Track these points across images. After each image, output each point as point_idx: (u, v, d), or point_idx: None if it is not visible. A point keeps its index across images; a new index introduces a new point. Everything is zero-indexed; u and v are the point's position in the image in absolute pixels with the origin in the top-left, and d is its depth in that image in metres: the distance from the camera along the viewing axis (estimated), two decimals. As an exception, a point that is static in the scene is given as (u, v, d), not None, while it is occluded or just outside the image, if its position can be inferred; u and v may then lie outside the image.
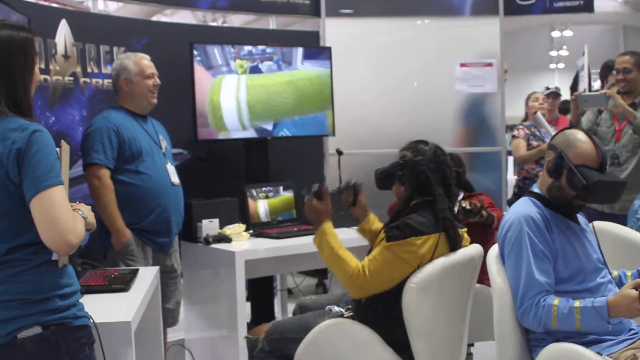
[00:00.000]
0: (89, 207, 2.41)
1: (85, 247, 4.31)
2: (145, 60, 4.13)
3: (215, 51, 4.81)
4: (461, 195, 4.23)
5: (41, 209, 2.12)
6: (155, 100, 4.12)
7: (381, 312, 3.09)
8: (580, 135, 2.94)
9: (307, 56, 5.18)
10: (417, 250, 2.99)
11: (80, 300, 2.34)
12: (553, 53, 18.08)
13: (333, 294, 3.70)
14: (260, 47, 5.01)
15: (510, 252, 2.89)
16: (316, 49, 5.38)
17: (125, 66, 4.08)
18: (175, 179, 4.12)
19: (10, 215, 2.18)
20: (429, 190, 3.12)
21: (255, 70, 4.97)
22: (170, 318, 4.27)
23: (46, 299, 2.20)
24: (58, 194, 2.14)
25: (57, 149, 2.24)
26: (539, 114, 5.98)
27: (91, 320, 2.35)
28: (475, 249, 3.23)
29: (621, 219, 3.98)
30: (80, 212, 2.29)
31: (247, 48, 4.96)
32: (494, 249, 3.03)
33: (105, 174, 3.89)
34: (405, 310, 3.02)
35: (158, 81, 4.13)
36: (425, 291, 3.00)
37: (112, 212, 3.90)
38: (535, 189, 3.03)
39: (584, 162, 2.87)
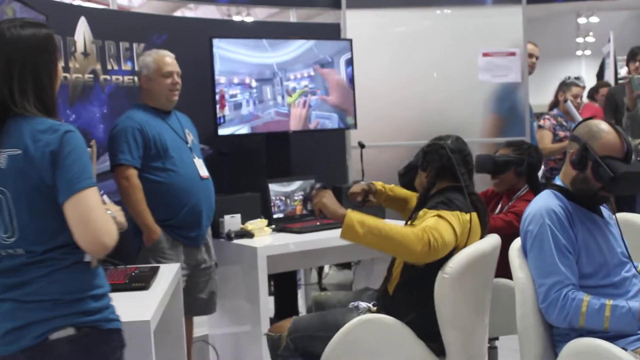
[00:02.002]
0: (119, 207, 2.40)
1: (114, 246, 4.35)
2: (166, 58, 4.12)
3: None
4: (525, 190, 4.18)
5: (76, 211, 2.10)
6: (175, 99, 4.11)
7: (411, 304, 3.07)
8: (603, 126, 2.88)
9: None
10: (460, 225, 3.00)
11: (112, 302, 2.32)
12: (579, 40, 17.92)
13: (350, 291, 3.66)
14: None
15: (533, 246, 2.85)
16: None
17: (146, 63, 4.09)
18: (203, 172, 4.12)
19: (45, 218, 2.15)
20: (452, 173, 3.18)
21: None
22: (203, 306, 4.29)
23: (79, 300, 2.18)
24: (92, 196, 2.13)
25: (88, 149, 2.22)
26: (569, 103, 5.89)
27: (121, 322, 2.32)
28: (496, 238, 3.22)
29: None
30: (109, 213, 2.26)
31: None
32: (516, 243, 2.99)
33: (133, 173, 3.91)
34: (438, 301, 2.99)
35: (177, 80, 4.11)
36: (457, 281, 2.97)
37: (142, 211, 3.92)
38: (558, 181, 2.98)
39: (609, 153, 2.81)
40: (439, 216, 2.98)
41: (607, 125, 2.90)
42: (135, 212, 3.91)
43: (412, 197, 3.55)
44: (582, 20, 17.04)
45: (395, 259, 3.24)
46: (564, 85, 6.14)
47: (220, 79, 4.71)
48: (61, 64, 4.02)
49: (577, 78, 6.58)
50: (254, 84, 4.87)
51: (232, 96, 4.77)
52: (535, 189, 4.10)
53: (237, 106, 4.79)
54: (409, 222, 3.17)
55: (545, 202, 2.88)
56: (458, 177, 3.18)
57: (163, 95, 4.08)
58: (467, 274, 3.01)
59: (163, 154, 3.98)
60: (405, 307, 3.08)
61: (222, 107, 4.70)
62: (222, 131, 4.70)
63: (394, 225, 2.96)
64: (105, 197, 2.96)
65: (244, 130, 4.79)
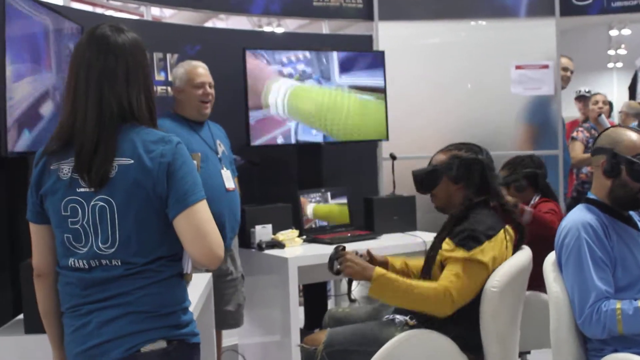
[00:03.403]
0: None
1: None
2: (199, 69, 4.11)
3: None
4: (536, 199, 4.18)
5: (191, 225, 2.07)
6: (207, 111, 4.11)
7: (456, 318, 3.02)
8: (621, 130, 2.91)
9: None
10: (492, 252, 2.98)
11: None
12: (611, 52, 17.77)
13: (366, 306, 3.63)
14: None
15: (568, 260, 2.82)
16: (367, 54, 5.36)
17: (179, 75, 4.11)
18: (230, 184, 4.10)
19: (150, 230, 2.10)
20: (486, 189, 3.15)
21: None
22: (231, 319, 4.29)
23: (172, 313, 2.15)
24: (205, 209, 2.11)
25: (194, 161, 2.18)
26: (602, 117, 5.89)
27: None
28: (528, 251, 3.21)
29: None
30: None
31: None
32: (551, 257, 2.97)
33: None
34: (483, 314, 2.99)
35: (209, 91, 4.10)
36: (503, 294, 2.97)
37: None
38: (591, 195, 2.96)
39: (637, 152, 2.82)
40: (464, 262, 2.96)
41: (624, 128, 2.94)
42: None
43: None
44: (614, 33, 16.89)
45: (425, 271, 3.23)
46: (581, 100, 6.19)
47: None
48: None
49: (588, 92, 6.61)
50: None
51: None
52: (546, 192, 4.15)
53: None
54: (432, 253, 3.17)
55: (580, 216, 2.86)
56: (496, 195, 3.17)
57: (194, 107, 4.08)
58: (509, 287, 3.00)
59: None
60: (450, 320, 3.03)
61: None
62: (254, 141, 4.71)
63: (417, 285, 2.99)
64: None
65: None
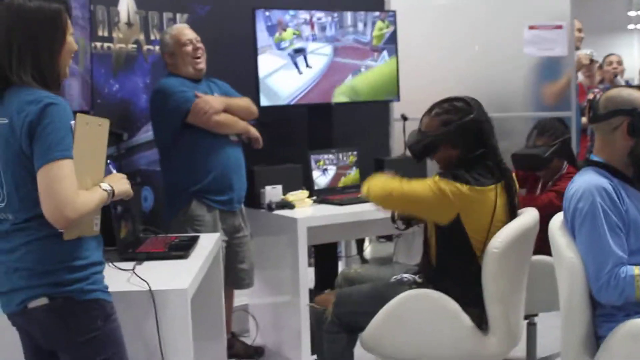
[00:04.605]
0: (123, 175, 2.49)
1: (151, 213, 4.40)
2: (182, 29, 4.18)
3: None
4: (565, 167, 4.12)
5: (43, 181, 2.13)
6: (201, 66, 4.15)
7: (458, 277, 3.06)
8: (631, 91, 2.88)
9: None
10: (459, 194, 2.97)
11: (98, 273, 2.34)
12: (632, 13, 17.55)
13: (378, 267, 3.65)
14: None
15: (583, 225, 2.76)
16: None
17: (165, 42, 4.16)
18: (233, 137, 4.17)
19: (26, 187, 2.19)
20: (483, 144, 3.11)
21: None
22: (247, 279, 4.36)
23: (53, 271, 2.23)
24: (63, 168, 2.14)
25: (72, 122, 2.21)
26: (618, 78, 5.83)
27: (107, 293, 2.35)
28: (535, 213, 3.20)
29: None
30: (102, 186, 2.32)
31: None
32: (557, 220, 2.94)
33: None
34: (485, 275, 2.99)
35: (198, 45, 4.14)
36: (504, 256, 2.97)
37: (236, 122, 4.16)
38: (595, 158, 2.90)
39: None
40: (433, 180, 3.03)
41: (628, 88, 2.93)
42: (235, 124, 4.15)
43: None
44: (634, -6, 16.69)
45: (426, 229, 3.23)
46: (603, 62, 6.14)
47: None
48: (104, 34, 4.10)
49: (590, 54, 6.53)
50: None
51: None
52: (573, 162, 4.07)
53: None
54: None
55: (592, 179, 2.80)
56: (492, 147, 3.13)
57: (188, 63, 4.12)
58: (512, 249, 3.00)
59: None
60: (452, 280, 3.06)
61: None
62: (264, 101, 4.68)
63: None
64: (111, 166, 2.99)
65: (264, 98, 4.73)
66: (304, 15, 4.85)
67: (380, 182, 3.17)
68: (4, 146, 2.20)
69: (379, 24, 5.14)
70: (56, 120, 2.15)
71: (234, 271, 4.24)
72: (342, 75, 5.03)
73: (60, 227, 2.18)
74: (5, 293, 2.29)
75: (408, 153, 4.89)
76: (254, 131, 4.21)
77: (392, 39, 5.21)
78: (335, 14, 4.98)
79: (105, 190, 2.31)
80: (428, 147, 3.20)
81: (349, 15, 5.04)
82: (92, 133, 2.30)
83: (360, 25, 5.08)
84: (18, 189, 2.21)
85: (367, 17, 5.12)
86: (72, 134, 2.19)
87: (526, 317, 3.58)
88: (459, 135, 3.11)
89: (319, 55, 4.92)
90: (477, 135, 3.11)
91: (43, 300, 2.22)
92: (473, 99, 3.19)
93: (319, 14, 4.92)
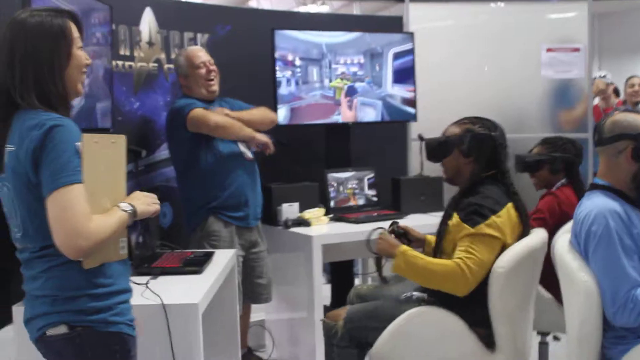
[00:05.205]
0: (145, 194, 2.31)
1: (170, 228, 4.47)
2: (195, 52, 4.24)
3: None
4: (561, 182, 4.15)
5: (52, 211, 2.02)
6: (213, 88, 4.22)
7: (466, 296, 3.06)
8: (637, 115, 2.90)
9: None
10: (500, 226, 3.04)
11: (124, 303, 2.24)
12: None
13: (393, 285, 3.68)
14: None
15: (597, 248, 2.75)
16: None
17: (179, 64, 4.23)
18: (248, 154, 4.23)
19: (39, 215, 2.07)
20: (496, 165, 3.20)
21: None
22: (265, 293, 4.41)
23: (75, 298, 2.13)
24: (71, 193, 2.02)
25: (78, 144, 2.06)
26: None
27: (131, 327, 2.25)
28: (543, 233, 3.23)
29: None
30: (121, 206, 2.17)
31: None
32: (563, 243, 2.94)
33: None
34: (491, 295, 3.02)
35: (212, 68, 4.21)
36: (511, 275, 2.99)
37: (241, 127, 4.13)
38: (601, 182, 2.92)
39: None
40: (472, 237, 3.02)
41: (632, 113, 2.94)
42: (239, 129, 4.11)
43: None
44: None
45: (436, 247, 3.28)
46: (608, 87, 6.15)
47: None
48: (126, 53, 4.18)
49: (603, 77, 6.52)
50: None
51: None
52: (577, 184, 4.08)
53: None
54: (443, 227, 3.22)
55: (604, 202, 2.80)
56: (503, 172, 3.21)
57: (202, 86, 4.19)
58: (519, 268, 3.02)
59: (206, 139, 4.09)
60: (459, 298, 3.08)
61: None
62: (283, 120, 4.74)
63: (434, 262, 3.09)
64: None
65: (282, 111, 4.75)
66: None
67: (440, 275, 3.07)
68: (14, 176, 2.11)
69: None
70: (59, 143, 2.02)
71: (251, 286, 4.31)
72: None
73: (73, 258, 2.08)
74: (29, 320, 2.21)
75: (425, 173, 5.01)
76: (259, 136, 4.20)
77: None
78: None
79: (125, 211, 2.16)
80: (442, 145, 3.30)
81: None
82: (104, 151, 2.14)
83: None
84: (32, 219, 2.11)
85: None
86: (80, 155, 2.06)
87: (539, 334, 3.59)
88: (474, 145, 3.20)
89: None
90: (491, 154, 3.19)
91: (62, 329, 2.13)
92: (500, 126, 3.28)
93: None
